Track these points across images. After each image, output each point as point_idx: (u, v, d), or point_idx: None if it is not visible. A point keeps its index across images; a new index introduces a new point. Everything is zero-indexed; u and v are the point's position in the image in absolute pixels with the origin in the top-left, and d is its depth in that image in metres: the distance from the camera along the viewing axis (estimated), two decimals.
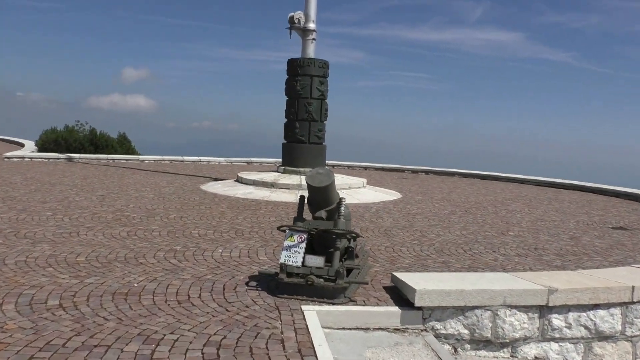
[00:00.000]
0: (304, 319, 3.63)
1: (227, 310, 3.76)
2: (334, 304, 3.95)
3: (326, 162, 12.21)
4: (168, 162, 17.13)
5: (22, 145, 20.02)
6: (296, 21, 11.14)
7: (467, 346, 4.10)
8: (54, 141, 18.31)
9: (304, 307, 3.84)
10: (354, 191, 10.71)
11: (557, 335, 4.26)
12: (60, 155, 16.40)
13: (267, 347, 3.18)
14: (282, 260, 4.08)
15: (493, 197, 11.89)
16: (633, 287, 4.36)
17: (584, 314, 4.30)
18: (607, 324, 4.36)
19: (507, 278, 4.45)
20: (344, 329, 3.82)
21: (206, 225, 6.87)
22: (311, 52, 11.25)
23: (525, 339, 4.19)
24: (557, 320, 4.24)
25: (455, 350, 4.08)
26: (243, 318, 3.62)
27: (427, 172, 17.71)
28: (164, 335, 3.28)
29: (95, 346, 3.07)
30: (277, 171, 11.71)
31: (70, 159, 16.14)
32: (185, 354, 3.04)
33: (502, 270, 5.26)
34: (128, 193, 9.46)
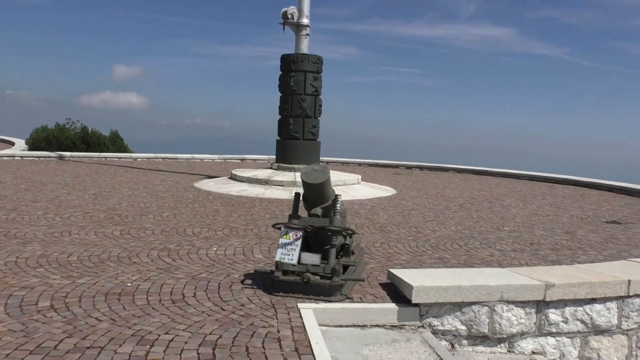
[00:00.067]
0: (301, 317, 3.60)
1: (222, 309, 3.71)
2: (330, 301, 3.92)
3: (320, 158, 12.16)
4: (161, 159, 17.00)
5: (13, 144, 19.80)
6: (289, 16, 11.05)
7: (465, 342, 4.09)
8: (45, 139, 18.14)
9: (300, 305, 3.80)
10: (349, 188, 10.68)
11: (554, 330, 4.26)
12: (52, 154, 16.24)
13: (263, 346, 3.14)
14: (277, 258, 4.05)
15: (487, 192, 11.90)
16: (629, 281, 4.37)
17: (581, 308, 4.31)
18: (604, 318, 4.36)
19: (504, 273, 4.44)
20: (340, 326, 3.79)
21: (200, 223, 6.82)
22: (305, 47, 11.17)
23: (523, 334, 4.19)
24: (554, 315, 4.24)
25: (453, 346, 4.06)
26: (239, 317, 3.58)
27: (421, 168, 17.71)
28: (159, 335, 3.23)
29: (87, 348, 3.02)
30: (271, 168, 11.65)
31: (61, 158, 15.99)
32: (180, 355, 2.99)
33: (498, 265, 5.24)
34: (120, 191, 9.37)
